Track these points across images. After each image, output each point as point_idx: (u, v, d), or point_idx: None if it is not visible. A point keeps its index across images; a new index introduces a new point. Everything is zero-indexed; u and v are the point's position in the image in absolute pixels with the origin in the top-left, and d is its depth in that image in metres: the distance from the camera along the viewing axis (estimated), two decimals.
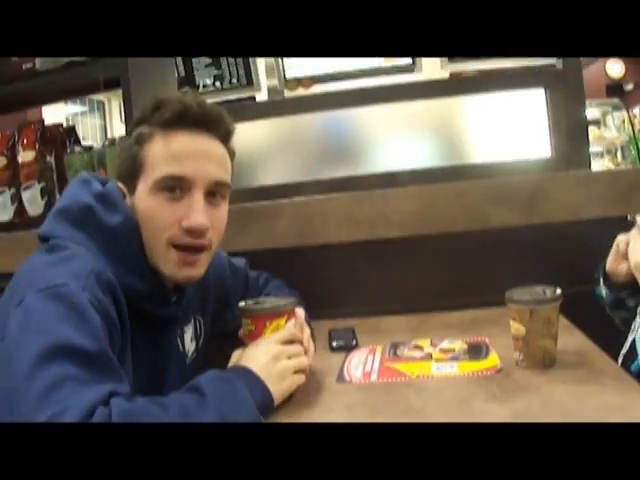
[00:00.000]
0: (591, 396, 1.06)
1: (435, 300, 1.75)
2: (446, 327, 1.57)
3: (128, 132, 1.27)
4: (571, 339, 1.37)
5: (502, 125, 1.90)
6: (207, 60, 5.85)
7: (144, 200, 1.19)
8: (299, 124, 1.99)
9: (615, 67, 6.10)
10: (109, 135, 6.44)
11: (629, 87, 6.63)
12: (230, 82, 5.83)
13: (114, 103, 6.93)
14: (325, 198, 1.84)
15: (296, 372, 1.17)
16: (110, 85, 2.27)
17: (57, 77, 2.23)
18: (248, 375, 1.09)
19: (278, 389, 1.11)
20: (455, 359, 1.32)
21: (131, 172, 1.21)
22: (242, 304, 1.28)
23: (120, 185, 1.23)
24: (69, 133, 2.47)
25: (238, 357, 1.20)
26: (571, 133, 1.84)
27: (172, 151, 1.18)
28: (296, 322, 1.27)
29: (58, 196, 2.32)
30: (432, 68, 5.59)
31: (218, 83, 5.81)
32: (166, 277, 1.22)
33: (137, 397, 0.95)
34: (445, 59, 5.57)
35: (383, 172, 1.89)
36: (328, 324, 1.64)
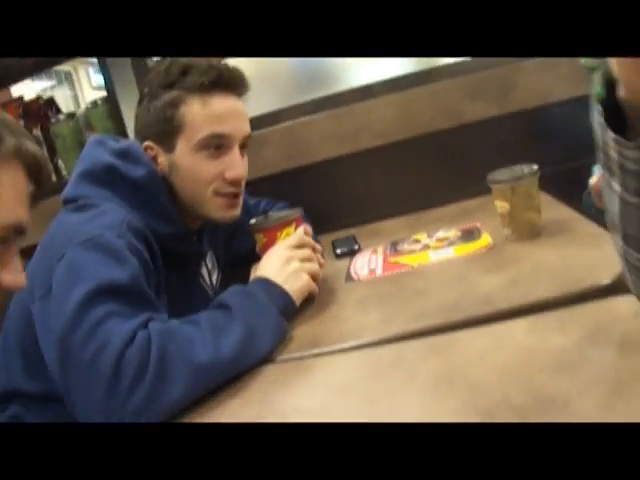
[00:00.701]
0: (575, 255, 1.16)
1: (427, 198, 1.85)
2: (440, 220, 1.67)
3: (148, 95, 1.36)
4: (554, 211, 1.46)
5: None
6: None
7: (187, 157, 1.32)
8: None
9: None
10: (82, 103, 6.41)
11: None
12: None
13: (81, 72, 6.91)
14: (307, 120, 1.91)
15: (310, 276, 1.26)
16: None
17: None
18: (266, 283, 1.19)
19: (295, 289, 1.21)
20: (451, 244, 1.43)
21: (167, 132, 1.32)
22: (252, 221, 1.41)
23: (149, 143, 1.34)
24: (49, 104, 2.51)
25: (255, 269, 1.30)
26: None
27: (212, 112, 1.31)
28: (305, 229, 1.37)
29: (51, 166, 2.39)
30: None
31: None
32: (209, 219, 1.39)
33: (172, 319, 1.06)
34: None
35: (359, 86, 1.95)
36: (330, 236, 1.74)
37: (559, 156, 1.73)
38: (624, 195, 0.63)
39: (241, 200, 1.41)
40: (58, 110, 2.51)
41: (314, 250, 1.34)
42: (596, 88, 0.63)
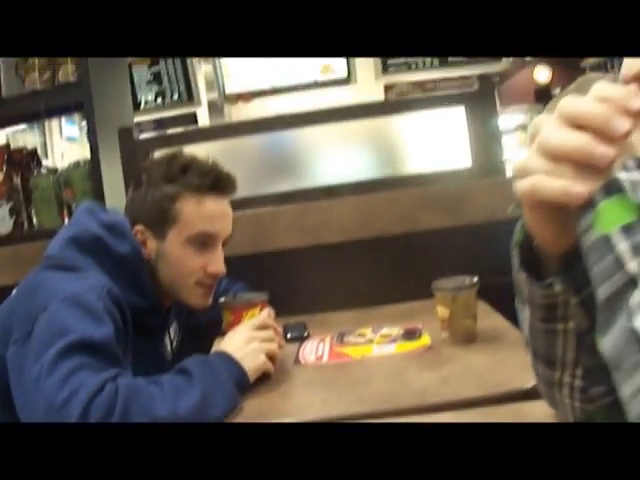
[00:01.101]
0: (504, 362, 1.30)
1: (376, 295, 1.97)
2: (386, 317, 1.79)
3: (147, 183, 1.51)
4: (489, 320, 1.60)
5: (429, 140, 2.15)
6: (148, 77, 5.99)
7: (176, 248, 1.48)
8: (246, 145, 2.21)
9: (542, 73, 6.32)
10: (49, 152, 6.44)
11: (556, 92, 6.85)
12: (171, 97, 5.95)
13: (54, 120, 6.98)
14: (274, 210, 2.07)
15: (267, 356, 1.37)
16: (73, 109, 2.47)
17: (22, 102, 2.38)
18: (226, 357, 1.31)
19: (251, 367, 1.32)
20: (393, 341, 1.55)
21: (161, 222, 1.48)
22: (222, 299, 1.54)
23: (140, 228, 1.48)
24: (32, 155, 2.62)
25: (219, 343, 1.42)
26: (487, 145, 2.10)
27: (206, 213, 1.48)
28: (269, 312, 1.49)
29: (25, 215, 2.47)
30: (367, 80, 5.84)
31: (159, 99, 5.93)
32: (188, 304, 1.55)
33: (138, 377, 1.17)
34: (379, 71, 5.84)
35: (324, 185, 2.11)
36: (282, 320, 1.84)
37: (499, 268, 1.88)
38: (533, 320, 0.75)
39: (213, 290, 1.56)
40: (39, 162, 2.61)
41: (275, 332, 1.46)
42: (516, 234, 0.75)
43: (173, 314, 1.65)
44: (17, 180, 2.48)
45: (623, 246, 0.53)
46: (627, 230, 0.53)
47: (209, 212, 1.49)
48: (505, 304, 1.66)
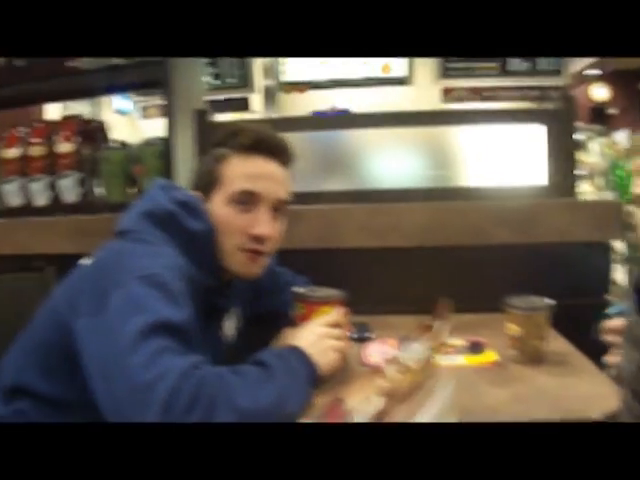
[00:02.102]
0: (573, 387, 1.31)
1: (435, 304, 1.97)
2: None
3: (205, 151, 1.52)
4: (555, 342, 1.59)
5: (506, 153, 2.14)
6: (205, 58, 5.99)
7: (219, 208, 1.45)
8: (322, 139, 2.21)
9: (600, 91, 6.22)
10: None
11: (612, 111, 6.72)
12: (226, 81, 5.93)
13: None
14: (345, 208, 2.07)
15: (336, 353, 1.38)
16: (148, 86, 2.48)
17: (101, 75, 2.41)
18: (299, 352, 1.31)
19: (322, 364, 1.33)
20: (459, 353, 1.56)
21: (208, 184, 1.47)
22: (297, 289, 1.52)
23: (197, 193, 1.48)
24: (100, 129, 2.66)
25: (290, 335, 1.42)
26: (565, 164, 2.08)
27: (247, 171, 1.45)
28: (341, 312, 1.48)
29: (93, 187, 2.51)
30: (425, 82, 5.79)
31: (215, 81, 5.92)
32: (231, 272, 1.48)
33: (221, 366, 1.17)
34: (438, 74, 5.79)
35: (396, 188, 2.11)
36: None
37: (565, 291, 1.87)
38: None
39: (265, 260, 1.51)
40: (105, 136, 2.64)
41: (345, 330, 1.46)
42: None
43: (237, 297, 1.63)
44: (87, 151, 2.50)
45: None
46: None
47: (252, 171, 1.45)
48: (566, 328, 1.68)
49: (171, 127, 2.27)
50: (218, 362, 1.44)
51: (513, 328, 1.49)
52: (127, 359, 1.08)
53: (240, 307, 1.70)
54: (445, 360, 1.51)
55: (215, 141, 1.51)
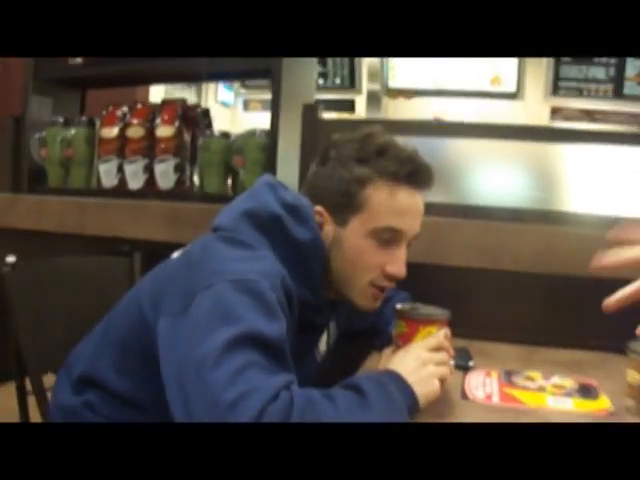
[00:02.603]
0: None
1: (542, 335, 1.84)
2: (553, 363, 1.65)
3: (336, 161, 1.37)
4: None
5: (629, 180, 1.97)
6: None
7: (357, 238, 1.33)
8: (433, 146, 2.09)
9: None
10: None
11: None
12: (333, 82, 5.90)
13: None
14: (455, 222, 1.93)
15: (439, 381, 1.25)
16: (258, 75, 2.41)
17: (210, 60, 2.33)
18: (399, 379, 1.18)
19: (423, 393, 1.19)
20: (569, 395, 1.41)
21: (345, 206, 1.33)
22: (399, 306, 1.38)
23: (321, 209, 1.35)
24: (204, 115, 2.60)
25: (388, 358, 1.30)
26: None
27: (397, 206, 1.32)
28: (445, 333, 1.34)
29: (189, 173, 2.47)
30: (535, 99, 5.62)
31: (321, 81, 5.89)
32: (354, 304, 1.39)
33: (311, 388, 1.06)
34: (549, 91, 5.61)
35: (509, 207, 1.97)
36: None
37: None
38: None
39: (384, 293, 1.42)
40: (210, 123, 2.58)
41: (449, 356, 1.33)
42: None
43: (336, 315, 1.53)
44: (187, 138, 2.45)
45: None
46: None
47: (401, 205, 1.32)
48: None
49: (276, 119, 2.18)
50: (310, 382, 1.37)
51: (635, 376, 1.33)
52: (209, 372, 0.98)
53: (340, 323, 1.60)
54: (553, 402, 1.37)
55: (354, 154, 1.35)
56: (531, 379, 1.51)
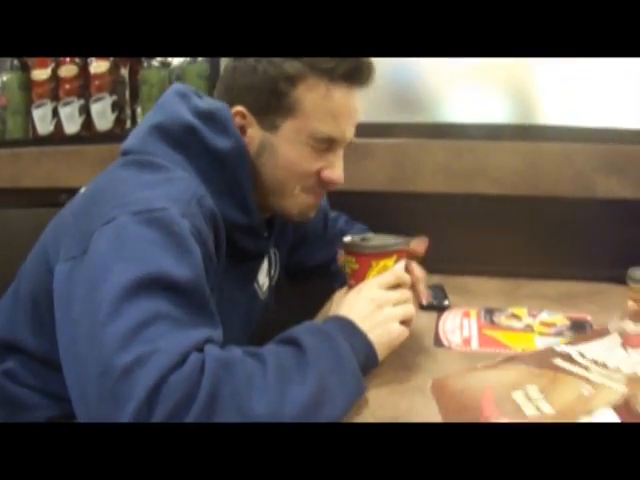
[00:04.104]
0: None
1: (527, 267, 1.65)
2: (541, 297, 1.47)
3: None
4: None
5: (621, 89, 1.74)
6: None
7: (292, 146, 1.14)
8: (399, 61, 1.85)
9: None
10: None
11: None
12: None
13: None
14: (421, 143, 1.71)
15: (402, 322, 1.05)
16: None
17: None
18: (349, 328, 0.98)
19: (383, 342, 1.00)
20: (559, 334, 1.22)
21: (273, 108, 1.13)
22: (347, 239, 1.16)
23: (242, 109, 1.13)
24: None
25: (337, 303, 1.10)
26: None
27: (334, 109, 1.13)
28: (407, 265, 1.15)
29: (130, 112, 2.24)
30: None
31: None
32: (286, 215, 1.22)
33: (232, 346, 0.85)
34: None
35: (484, 123, 1.74)
36: None
37: None
38: None
39: (321, 204, 1.29)
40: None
41: (414, 291, 1.14)
42: None
43: (274, 241, 1.32)
44: (125, 72, 2.24)
45: None
46: None
47: (337, 108, 1.13)
48: None
49: None
50: (252, 325, 1.25)
51: (635, 307, 1.14)
52: (101, 328, 0.78)
53: (282, 254, 1.40)
54: (541, 342, 1.18)
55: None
56: (516, 317, 1.32)
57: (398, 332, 1.03)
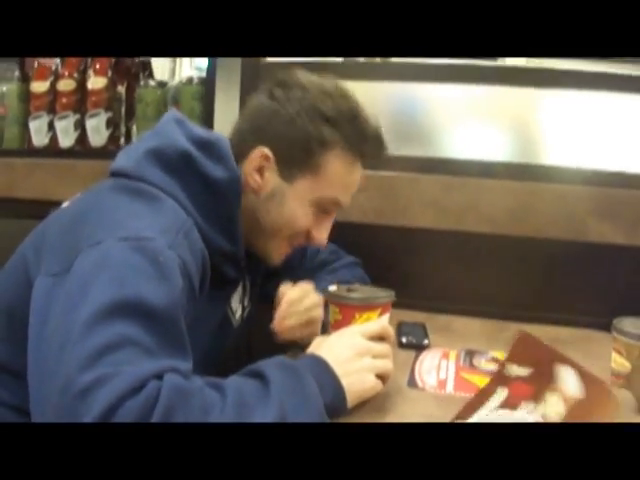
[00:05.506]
0: None
1: (512, 309, 1.62)
2: None
3: (299, 102, 1.19)
4: None
5: (616, 132, 1.71)
6: None
7: (301, 202, 1.20)
8: (387, 91, 1.84)
9: None
10: (176, 76, 6.31)
11: None
12: None
13: None
14: (412, 177, 1.70)
15: (377, 376, 1.03)
16: None
17: None
18: (321, 368, 0.96)
19: (354, 391, 0.97)
20: None
21: (297, 162, 1.19)
22: (332, 288, 1.19)
23: (268, 153, 1.19)
24: (144, 66, 2.38)
25: (317, 344, 1.07)
26: None
27: (349, 180, 1.24)
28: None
29: (124, 129, 2.25)
30: None
31: None
32: (262, 255, 1.28)
33: (195, 377, 0.84)
34: None
35: (475, 160, 1.72)
36: (395, 314, 1.51)
37: None
38: None
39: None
40: (150, 74, 2.37)
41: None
42: None
43: (248, 271, 1.33)
44: (122, 90, 2.26)
45: None
46: None
47: (352, 180, 1.24)
48: None
49: (212, 64, 1.96)
50: (222, 346, 1.31)
51: (620, 362, 1.12)
52: (71, 346, 0.78)
53: (255, 282, 1.40)
54: None
55: (320, 105, 1.18)
56: (496, 361, 1.28)
57: (372, 384, 1.01)
